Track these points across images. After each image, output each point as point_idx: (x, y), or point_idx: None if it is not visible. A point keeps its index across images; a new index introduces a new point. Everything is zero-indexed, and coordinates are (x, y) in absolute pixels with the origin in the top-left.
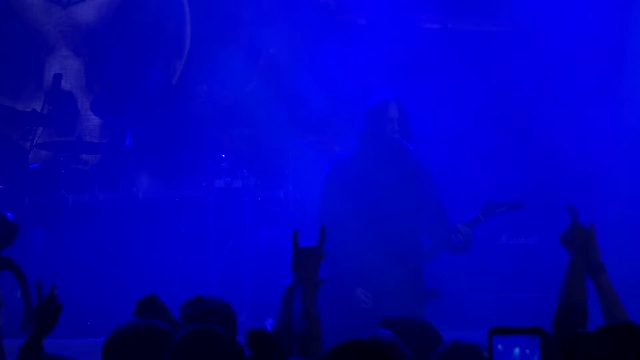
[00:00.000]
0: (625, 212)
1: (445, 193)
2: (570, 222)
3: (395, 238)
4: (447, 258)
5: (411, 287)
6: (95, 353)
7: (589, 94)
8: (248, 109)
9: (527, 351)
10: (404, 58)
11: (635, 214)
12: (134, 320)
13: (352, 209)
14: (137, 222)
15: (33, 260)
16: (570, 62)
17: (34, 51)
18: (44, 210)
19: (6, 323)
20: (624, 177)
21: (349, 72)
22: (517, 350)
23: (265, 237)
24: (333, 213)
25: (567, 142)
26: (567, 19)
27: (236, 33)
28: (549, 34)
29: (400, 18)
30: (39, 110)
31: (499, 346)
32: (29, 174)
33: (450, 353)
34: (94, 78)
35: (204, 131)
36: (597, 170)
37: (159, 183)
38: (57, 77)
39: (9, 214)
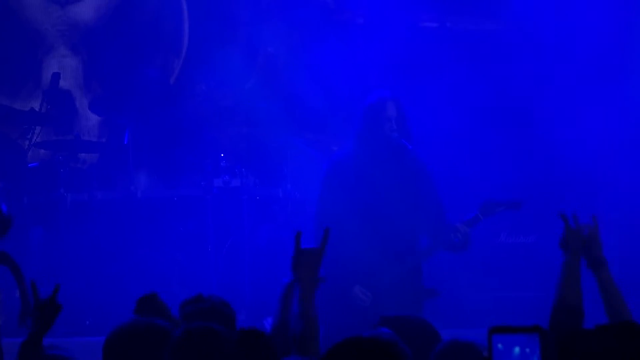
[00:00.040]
0: (626, 210)
1: (444, 192)
2: (565, 228)
3: (394, 237)
4: (445, 257)
5: (409, 286)
6: (94, 352)
7: (589, 92)
8: (246, 108)
9: (527, 350)
10: (402, 57)
11: (635, 212)
12: (135, 318)
13: (351, 208)
14: (136, 221)
15: (32, 259)
16: (569, 60)
17: (32, 50)
18: (42, 209)
19: (5, 322)
20: (624, 175)
21: (347, 71)
22: (517, 349)
23: (264, 235)
24: (331, 212)
25: (567, 141)
26: (567, 17)
27: (234, 32)
28: (548, 32)
29: (398, 17)
30: (37, 109)
31: (499, 345)
32: (28, 172)
33: (449, 352)
34: (92, 77)
35: (202, 130)
36: (596, 168)
37: (158, 182)
38: (56, 76)
39: (3, 206)
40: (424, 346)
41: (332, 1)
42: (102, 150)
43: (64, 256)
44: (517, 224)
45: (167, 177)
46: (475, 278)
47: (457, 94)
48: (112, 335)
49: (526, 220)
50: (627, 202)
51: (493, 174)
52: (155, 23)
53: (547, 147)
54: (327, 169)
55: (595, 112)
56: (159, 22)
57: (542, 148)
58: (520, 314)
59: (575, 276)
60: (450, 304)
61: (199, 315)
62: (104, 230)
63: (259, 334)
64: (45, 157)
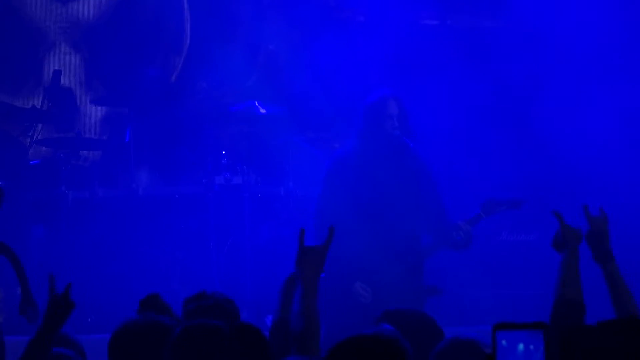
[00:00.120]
0: (628, 208)
1: (445, 190)
2: (560, 226)
3: (395, 235)
4: (447, 255)
5: (411, 284)
6: (96, 349)
7: (589, 90)
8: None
9: (531, 347)
10: (403, 55)
11: (636, 210)
12: (140, 316)
13: (352, 206)
14: (137, 219)
15: (33, 257)
16: (570, 58)
17: (33, 47)
18: (43, 207)
19: (7, 320)
20: (625, 173)
21: (348, 69)
22: (521, 346)
23: (265, 233)
24: (332, 210)
25: (567, 139)
26: (567, 16)
27: (235, 30)
28: (548, 30)
29: (399, 14)
30: (38, 106)
31: (503, 342)
32: (29, 170)
33: (451, 349)
34: (94, 74)
35: (203, 128)
36: (598, 166)
37: (159, 179)
38: (57, 74)
39: None
40: (426, 342)
41: None
42: (104, 147)
43: (65, 254)
44: (518, 221)
45: (168, 174)
46: (477, 276)
47: (457, 91)
48: (118, 332)
49: (528, 218)
50: (628, 199)
51: (494, 172)
52: (157, 21)
53: (548, 145)
54: (329, 167)
55: (596, 110)
56: (160, 20)
57: (543, 146)
58: (521, 311)
59: (574, 271)
60: (451, 302)
61: (203, 312)
62: (106, 227)
63: (252, 329)
64: (47, 154)
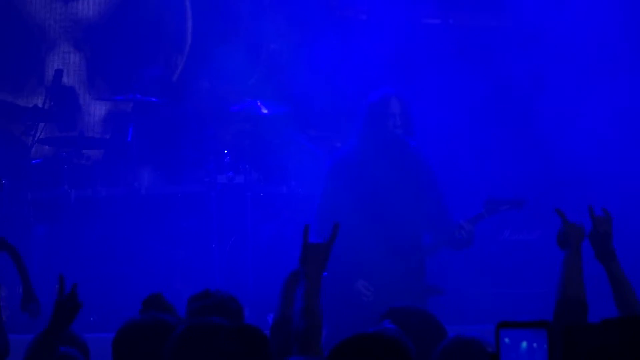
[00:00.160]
0: (629, 207)
1: (447, 189)
2: (562, 223)
3: (397, 234)
4: (449, 254)
5: (413, 283)
6: (99, 348)
7: (592, 89)
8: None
9: (535, 345)
10: (405, 53)
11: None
12: (145, 314)
13: (354, 205)
14: (140, 218)
15: (36, 256)
16: (572, 57)
17: (35, 46)
18: (46, 206)
19: (10, 319)
20: (628, 171)
21: (350, 68)
22: (524, 344)
23: (267, 232)
24: (334, 208)
25: (570, 137)
26: (570, 14)
27: (237, 29)
28: (551, 29)
29: (401, 13)
30: (40, 105)
31: (506, 340)
32: (31, 169)
33: (454, 348)
34: (96, 73)
35: (205, 127)
36: (599, 165)
37: (161, 178)
38: (59, 73)
39: None
40: (430, 341)
41: None
42: (106, 146)
43: (67, 252)
44: (521, 220)
45: (170, 173)
46: (479, 275)
47: (459, 90)
48: (122, 331)
49: (530, 217)
50: (631, 198)
51: (496, 171)
52: (158, 20)
53: (550, 144)
54: (330, 165)
55: (598, 109)
56: (161, 19)
57: (545, 144)
58: (524, 310)
59: (577, 269)
60: (454, 301)
61: (207, 310)
62: (108, 226)
63: (254, 332)
64: (49, 153)
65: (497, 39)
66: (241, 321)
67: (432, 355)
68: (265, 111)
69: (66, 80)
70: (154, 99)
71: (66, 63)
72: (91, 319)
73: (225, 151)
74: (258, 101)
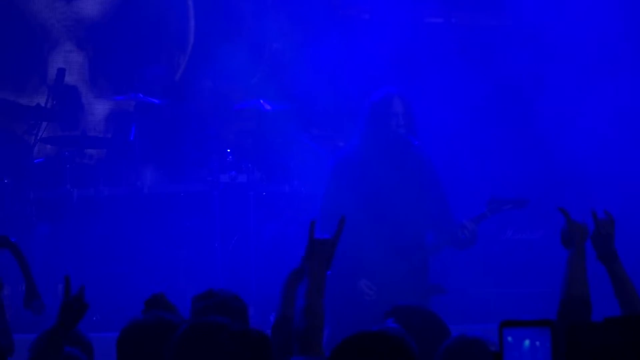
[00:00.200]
0: (632, 205)
1: (450, 188)
2: (566, 223)
3: (400, 233)
4: (452, 253)
5: (415, 283)
6: (102, 348)
7: (594, 88)
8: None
9: (537, 343)
10: (407, 53)
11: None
12: (148, 313)
13: (357, 204)
14: (142, 217)
15: (38, 255)
16: (574, 56)
17: (37, 45)
18: (48, 205)
19: (13, 318)
20: (632, 169)
21: (353, 67)
22: (527, 343)
23: (270, 231)
24: (337, 208)
25: (571, 137)
26: (571, 13)
27: (239, 28)
28: (553, 28)
29: (403, 12)
30: (43, 104)
31: (509, 338)
32: (34, 168)
33: (457, 347)
34: (98, 72)
35: (208, 126)
36: (601, 163)
37: (164, 177)
38: (61, 72)
39: None
40: (433, 340)
41: None
42: (108, 145)
43: (70, 252)
44: (524, 220)
45: (173, 172)
46: (482, 274)
47: (462, 89)
48: (126, 330)
49: (533, 216)
50: (633, 196)
51: (498, 169)
52: (161, 19)
53: (552, 143)
54: (333, 165)
55: (600, 108)
56: (164, 18)
57: (547, 144)
58: (527, 309)
59: (581, 268)
60: (456, 300)
61: (211, 310)
62: (110, 225)
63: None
64: (52, 152)
65: (499, 38)
66: (245, 320)
67: (436, 355)
68: (268, 107)
69: (69, 79)
70: (156, 99)
71: (69, 62)
72: (94, 318)
73: (228, 150)
74: (261, 100)
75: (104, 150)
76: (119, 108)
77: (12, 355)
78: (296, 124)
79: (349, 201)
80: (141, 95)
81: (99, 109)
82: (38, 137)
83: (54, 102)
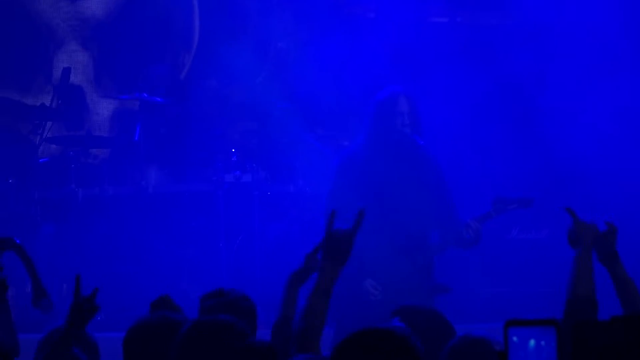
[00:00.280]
0: (633, 205)
1: (455, 188)
2: (573, 222)
3: (405, 232)
4: (457, 253)
5: (420, 282)
6: (107, 348)
7: (598, 86)
8: (257, 103)
9: (543, 343)
10: (412, 52)
11: None
12: (155, 313)
13: (361, 203)
14: (147, 217)
15: (43, 255)
16: (578, 55)
17: (42, 45)
18: (53, 205)
19: (19, 318)
20: (630, 169)
21: (358, 66)
22: (532, 342)
23: (275, 231)
24: (341, 208)
25: (576, 134)
26: (578, 12)
27: (244, 27)
28: (559, 27)
29: (409, 12)
30: (48, 104)
31: (514, 338)
32: (39, 168)
33: (462, 347)
34: (103, 72)
35: (213, 125)
36: (605, 162)
37: (168, 177)
38: (66, 72)
39: None
40: (438, 340)
41: None
42: (113, 145)
43: (75, 251)
44: (529, 219)
45: (177, 172)
46: (487, 273)
47: (467, 89)
48: (132, 330)
49: (538, 215)
50: (635, 195)
51: (504, 169)
52: (166, 18)
53: (557, 142)
54: (338, 164)
55: (603, 106)
56: (169, 18)
57: (554, 142)
58: (532, 309)
59: (588, 268)
60: (461, 299)
61: (219, 309)
62: (115, 225)
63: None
64: (56, 152)
65: (502, 37)
66: (254, 321)
67: (441, 354)
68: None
69: (73, 79)
70: (161, 98)
71: (73, 62)
72: (98, 318)
73: (233, 150)
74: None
75: (109, 150)
76: (123, 108)
77: (17, 356)
78: (301, 124)
79: (354, 200)
80: (145, 95)
81: (103, 108)
82: (43, 137)
83: (59, 102)
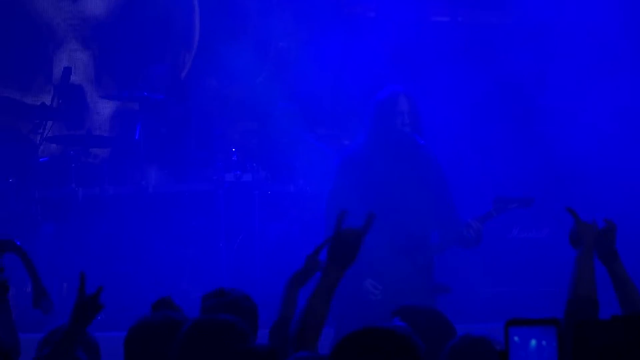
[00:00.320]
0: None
1: (456, 187)
2: (575, 222)
3: (405, 232)
4: (458, 252)
5: (421, 282)
6: (107, 347)
7: (599, 86)
8: (257, 103)
9: (544, 343)
10: (413, 51)
11: None
12: (156, 313)
13: (362, 203)
14: (147, 216)
15: (43, 254)
16: (580, 54)
17: (42, 45)
18: (53, 204)
19: (19, 317)
20: (631, 168)
21: (359, 65)
22: (533, 342)
23: (275, 231)
24: (342, 207)
25: (577, 134)
26: (580, 11)
27: (245, 26)
28: (561, 27)
29: (409, 11)
30: (48, 103)
31: (515, 338)
32: (39, 167)
33: (462, 346)
34: (103, 71)
35: (213, 125)
36: (606, 161)
37: (169, 177)
38: (67, 71)
39: None
40: (439, 339)
41: None
42: (113, 145)
43: (75, 251)
44: (529, 218)
45: (178, 171)
46: (488, 273)
47: (468, 88)
48: (134, 329)
49: (538, 215)
50: (635, 195)
51: (505, 168)
52: (166, 17)
53: (559, 141)
54: (339, 163)
55: (603, 105)
56: (169, 17)
57: (554, 141)
58: (533, 308)
59: (589, 268)
60: (462, 299)
61: (221, 308)
62: (115, 225)
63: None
64: (57, 152)
65: (505, 36)
66: (255, 321)
67: (441, 354)
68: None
69: (74, 78)
70: (161, 97)
71: (74, 61)
72: (98, 317)
73: (233, 149)
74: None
75: (109, 149)
76: (124, 107)
77: (19, 356)
78: (301, 123)
79: (354, 200)
80: (146, 94)
81: (104, 108)
82: (43, 136)
83: (60, 101)
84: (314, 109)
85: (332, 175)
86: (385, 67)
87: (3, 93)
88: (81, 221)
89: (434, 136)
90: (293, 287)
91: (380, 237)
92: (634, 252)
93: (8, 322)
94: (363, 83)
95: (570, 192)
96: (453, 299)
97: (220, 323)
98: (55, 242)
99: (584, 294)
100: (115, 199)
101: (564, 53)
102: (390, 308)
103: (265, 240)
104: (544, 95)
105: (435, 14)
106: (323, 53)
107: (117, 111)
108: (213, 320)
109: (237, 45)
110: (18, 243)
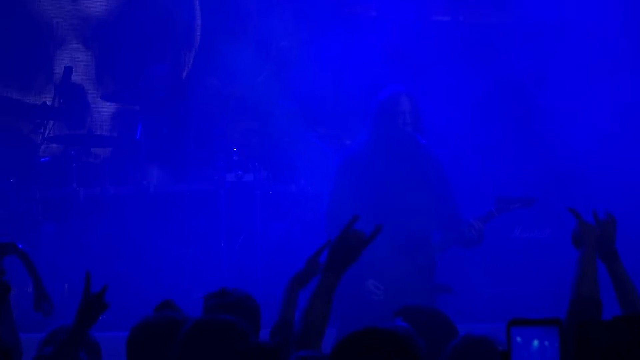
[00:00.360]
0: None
1: (457, 187)
2: (577, 223)
3: (407, 232)
4: (459, 252)
5: (422, 282)
6: (108, 347)
7: (600, 86)
8: (258, 102)
9: (546, 343)
10: (414, 51)
11: None
12: (159, 313)
13: (363, 203)
14: (148, 216)
15: (44, 254)
16: (581, 54)
17: (43, 44)
18: (54, 204)
19: (20, 318)
20: (631, 168)
21: (360, 65)
22: (535, 342)
23: (276, 230)
24: (343, 207)
25: (577, 133)
26: (581, 11)
27: (246, 26)
28: (563, 27)
29: (410, 10)
30: (49, 103)
31: (518, 338)
32: (40, 167)
33: (464, 346)
34: (104, 71)
35: (214, 124)
36: (607, 161)
37: (170, 177)
38: (68, 70)
39: None
40: (440, 339)
41: None
42: (115, 144)
43: (76, 251)
44: (531, 218)
45: (179, 171)
46: (490, 273)
47: (469, 88)
48: (136, 329)
49: (540, 215)
50: (636, 194)
51: (504, 167)
52: (167, 17)
53: (560, 141)
54: (339, 163)
55: (604, 105)
56: (170, 16)
57: (556, 141)
58: (535, 308)
59: (592, 268)
60: (464, 299)
61: (223, 308)
62: (116, 225)
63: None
64: (58, 151)
65: (505, 36)
66: (257, 321)
67: (443, 354)
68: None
69: (75, 78)
70: (162, 97)
71: (75, 60)
72: (100, 317)
73: (234, 149)
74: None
75: (110, 149)
76: (125, 107)
77: (20, 357)
78: (303, 123)
79: (356, 199)
80: (147, 94)
81: (104, 107)
82: (44, 136)
83: (60, 101)
84: (315, 109)
85: (333, 175)
86: (385, 66)
87: (4, 93)
88: (82, 221)
89: (435, 135)
90: (293, 289)
91: (381, 236)
92: (634, 252)
93: (9, 322)
94: (364, 82)
95: (571, 192)
96: (455, 298)
97: (221, 323)
98: (56, 242)
99: (586, 294)
100: (116, 198)
101: (564, 53)
102: (391, 308)
103: (267, 240)
104: (544, 95)
105: (435, 13)
106: (324, 52)
107: (118, 111)
108: (214, 320)
109: (238, 44)
110: (20, 246)
